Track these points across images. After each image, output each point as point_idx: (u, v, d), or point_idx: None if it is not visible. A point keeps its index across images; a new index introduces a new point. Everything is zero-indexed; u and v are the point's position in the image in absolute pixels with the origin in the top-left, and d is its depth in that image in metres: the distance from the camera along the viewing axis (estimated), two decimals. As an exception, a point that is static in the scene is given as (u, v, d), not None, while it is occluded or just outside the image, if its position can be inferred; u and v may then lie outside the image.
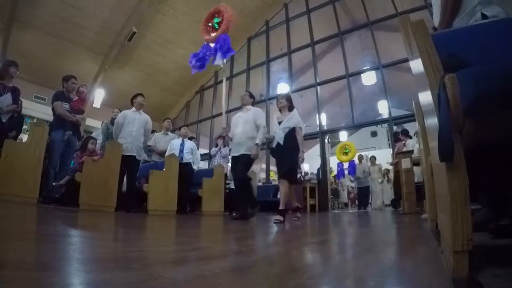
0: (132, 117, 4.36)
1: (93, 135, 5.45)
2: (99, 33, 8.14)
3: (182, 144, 5.01)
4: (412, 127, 5.55)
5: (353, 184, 11.22)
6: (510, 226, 1.17)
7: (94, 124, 8.33)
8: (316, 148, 10.69)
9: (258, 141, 3.65)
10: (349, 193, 12.33)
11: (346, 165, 11.13)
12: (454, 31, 1.13)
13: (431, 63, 0.80)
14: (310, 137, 8.25)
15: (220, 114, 10.08)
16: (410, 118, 6.46)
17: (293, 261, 1.13)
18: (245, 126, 3.76)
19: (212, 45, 4.06)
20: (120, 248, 1.27)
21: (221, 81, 10.49)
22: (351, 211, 8.79)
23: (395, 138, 5.75)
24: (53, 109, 4.03)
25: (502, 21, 0.94)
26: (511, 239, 1.18)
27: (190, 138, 5.50)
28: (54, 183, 3.80)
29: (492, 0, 1.13)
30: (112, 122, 4.87)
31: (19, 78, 4.69)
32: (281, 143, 3.42)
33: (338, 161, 11.30)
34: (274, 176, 10.51)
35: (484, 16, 1.13)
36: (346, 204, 11.90)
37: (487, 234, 1.24)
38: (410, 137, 5.36)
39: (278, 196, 7.26)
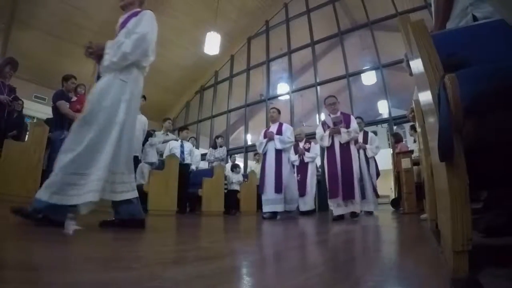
0: None
1: None
2: (99, 33, 8.12)
3: (182, 146, 5.02)
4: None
5: None
6: (503, 225, 1.17)
7: (94, 124, 8.34)
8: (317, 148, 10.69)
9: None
10: None
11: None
12: (454, 31, 1.13)
13: (431, 63, 0.80)
14: (310, 136, 8.26)
15: (220, 114, 10.11)
16: (410, 118, 6.46)
17: (292, 260, 1.13)
18: None
19: None
20: (120, 248, 1.27)
21: (221, 81, 10.58)
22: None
23: (396, 139, 5.74)
24: (53, 109, 4.02)
25: (502, 21, 0.94)
26: (510, 239, 1.18)
27: (189, 139, 5.51)
28: None
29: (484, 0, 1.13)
30: None
31: (18, 78, 4.69)
32: None
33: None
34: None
35: (475, 18, 1.12)
36: None
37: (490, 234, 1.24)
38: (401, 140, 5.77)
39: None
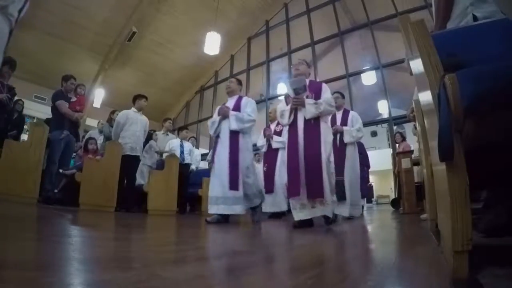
0: (135, 117, 4.39)
1: (89, 133, 5.47)
2: (99, 33, 8.14)
3: (182, 145, 5.02)
4: (411, 127, 5.60)
5: None
6: (503, 225, 1.17)
7: (95, 124, 8.35)
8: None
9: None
10: None
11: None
12: (454, 31, 1.13)
13: (431, 63, 0.80)
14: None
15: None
16: (410, 118, 6.48)
17: (292, 260, 1.12)
18: None
19: None
20: (120, 248, 1.27)
21: (221, 81, 10.58)
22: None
23: (400, 138, 5.75)
24: (53, 109, 4.02)
25: (502, 21, 0.94)
26: (510, 238, 1.18)
27: (189, 138, 5.51)
28: (55, 190, 3.81)
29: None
30: (111, 123, 4.87)
31: (18, 78, 4.69)
32: None
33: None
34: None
35: (475, 18, 1.12)
36: None
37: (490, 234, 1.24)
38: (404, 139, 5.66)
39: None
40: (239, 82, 3.51)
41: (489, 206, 1.28)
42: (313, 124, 2.50)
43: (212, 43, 7.14)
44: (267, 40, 9.84)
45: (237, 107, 3.16)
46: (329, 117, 2.72)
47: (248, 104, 3.20)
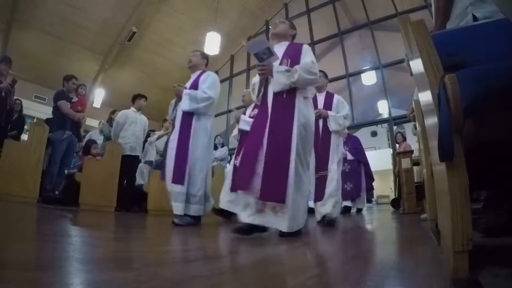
0: (134, 117, 4.39)
1: (90, 134, 5.47)
2: (99, 33, 8.14)
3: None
4: (411, 127, 5.61)
5: None
6: (503, 225, 1.17)
7: (95, 124, 8.35)
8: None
9: None
10: None
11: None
12: (454, 31, 1.13)
13: (431, 63, 0.80)
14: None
15: (221, 114, 10.12)
16: (410, 118, 6.48)
17: (292, 260, 1.13)
18: None
19: None
20: (120, 248, 1.27)
21: (221, 81, 10.56)
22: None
23: (401, 138, 5.75)
24: (54, 109, 4.02)
25: (502, 21, 0.94)
26: (510, 238, 1.18)
27: None
28: (57, 192, 3.81)
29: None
30: (111, 123, 4.87)
31: (19, 78, 4.68)
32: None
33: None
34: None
35: (475, 18, 1.12)
36: None
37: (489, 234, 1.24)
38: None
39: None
40: (204, 56, 2.89)
41: (489, 206, 1.28)
42: (285, 99, 1.84)
43: (212, 43, 7.14)
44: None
45: (195, 85, 2.57)
46: (310, 93, 2.08)
47: (208, 79, 2.59)
